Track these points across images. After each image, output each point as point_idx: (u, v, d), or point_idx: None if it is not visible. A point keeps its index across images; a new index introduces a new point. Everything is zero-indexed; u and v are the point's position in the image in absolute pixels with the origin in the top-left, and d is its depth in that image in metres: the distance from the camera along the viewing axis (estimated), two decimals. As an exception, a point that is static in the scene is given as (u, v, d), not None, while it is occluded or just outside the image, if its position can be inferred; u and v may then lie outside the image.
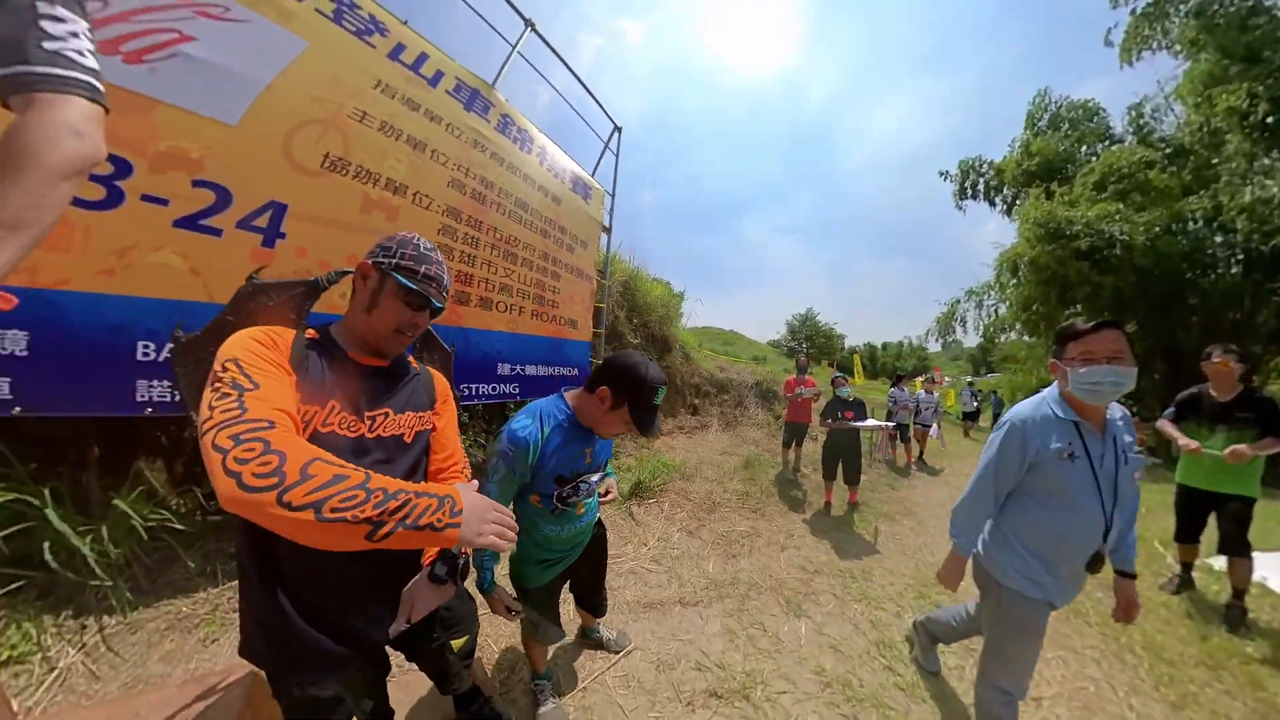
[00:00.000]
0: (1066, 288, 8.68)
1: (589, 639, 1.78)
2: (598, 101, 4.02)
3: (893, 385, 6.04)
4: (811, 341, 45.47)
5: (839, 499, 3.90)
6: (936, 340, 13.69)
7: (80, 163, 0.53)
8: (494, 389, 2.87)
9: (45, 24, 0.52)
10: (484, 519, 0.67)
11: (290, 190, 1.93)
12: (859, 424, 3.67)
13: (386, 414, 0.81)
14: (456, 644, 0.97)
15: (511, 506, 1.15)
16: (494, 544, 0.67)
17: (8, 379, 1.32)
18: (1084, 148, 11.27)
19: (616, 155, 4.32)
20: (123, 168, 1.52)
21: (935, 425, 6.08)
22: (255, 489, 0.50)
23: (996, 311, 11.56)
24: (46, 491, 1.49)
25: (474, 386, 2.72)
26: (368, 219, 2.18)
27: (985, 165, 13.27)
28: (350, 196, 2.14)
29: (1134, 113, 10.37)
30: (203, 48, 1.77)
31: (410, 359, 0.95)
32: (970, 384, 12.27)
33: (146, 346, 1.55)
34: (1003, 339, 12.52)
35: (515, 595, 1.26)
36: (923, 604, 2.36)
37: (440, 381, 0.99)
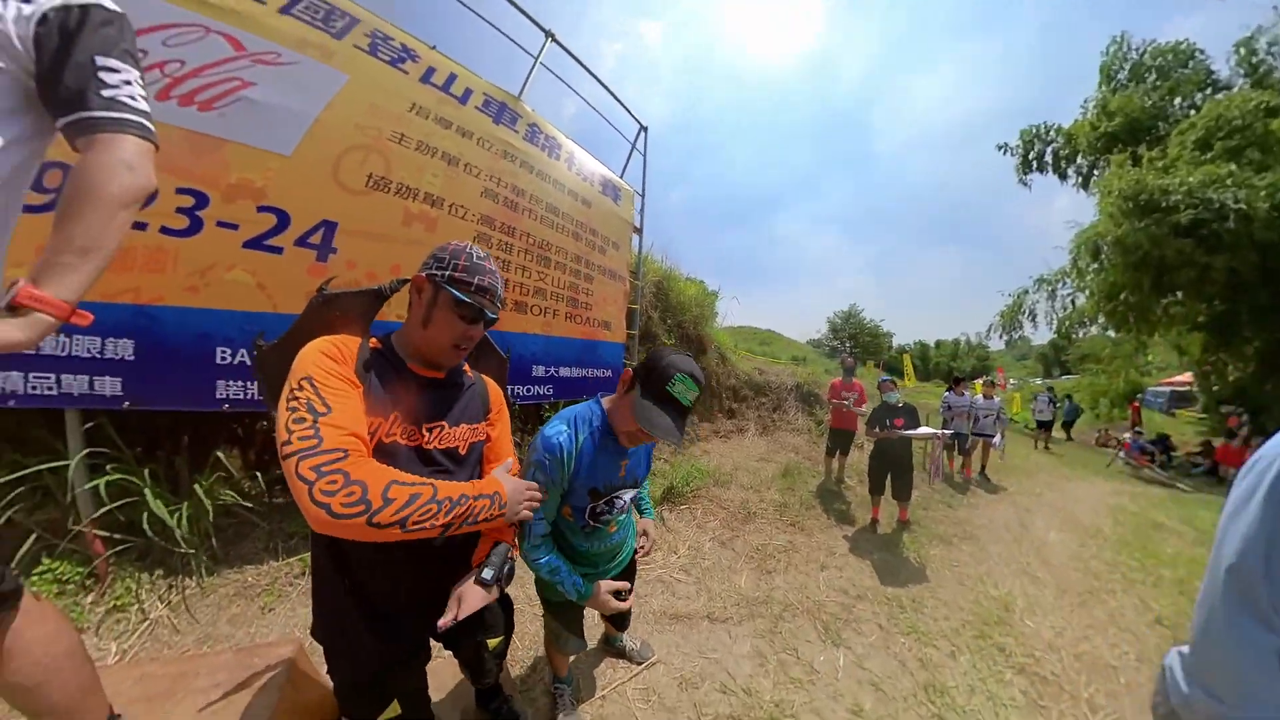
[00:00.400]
0: (1163, 271, 7.19)
1: (612, 647, 1.75)
2: (622, 103, 4.05)
3: (948, 389, 5.40)
4: (856, 340, 42.07)
5: (887, 516, 3.54)
6: (1000, 337, 11.85)
7: (134, 193, 0.60)
8: (529, 390, 2.89)
9: (103, 74, 0.60)
10: (519, 500, 0.83)
11: (339, 209, 2.10)
12: (910, 433, 3.26)
13: (442, 427, 0.86)
14: (492, 643, 1.01)
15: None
16: (526, 516, 0.83)
17: (119, 379, 1.60)
18: (1178, 100, 9.46)
19: (644, 155, 4.30)
20: (201, 200, 1.75)
21: (998, 434, 5.26)
22: (345, 516, 0.61)
23: (1073, 302, 9.91)
24: (146, 472, 1.76)
25: (510, 388, 2.97)
26: (409, 231, 2.33)
27: (1052, 132, 11.42)
28: (393, 211, 2.28)
29: (1244, 50, 8.59)
30: (260, 91, 1.99)
31: (466, 367, 0.98)
32: (1048, 389, 10.65)
33: (224, 352, 1.79)
34: (1081, 334, 10.82)
35: (543, 606, 1.30)
36: (983, 645, 2.10)
37: (495, 391, 1.02)
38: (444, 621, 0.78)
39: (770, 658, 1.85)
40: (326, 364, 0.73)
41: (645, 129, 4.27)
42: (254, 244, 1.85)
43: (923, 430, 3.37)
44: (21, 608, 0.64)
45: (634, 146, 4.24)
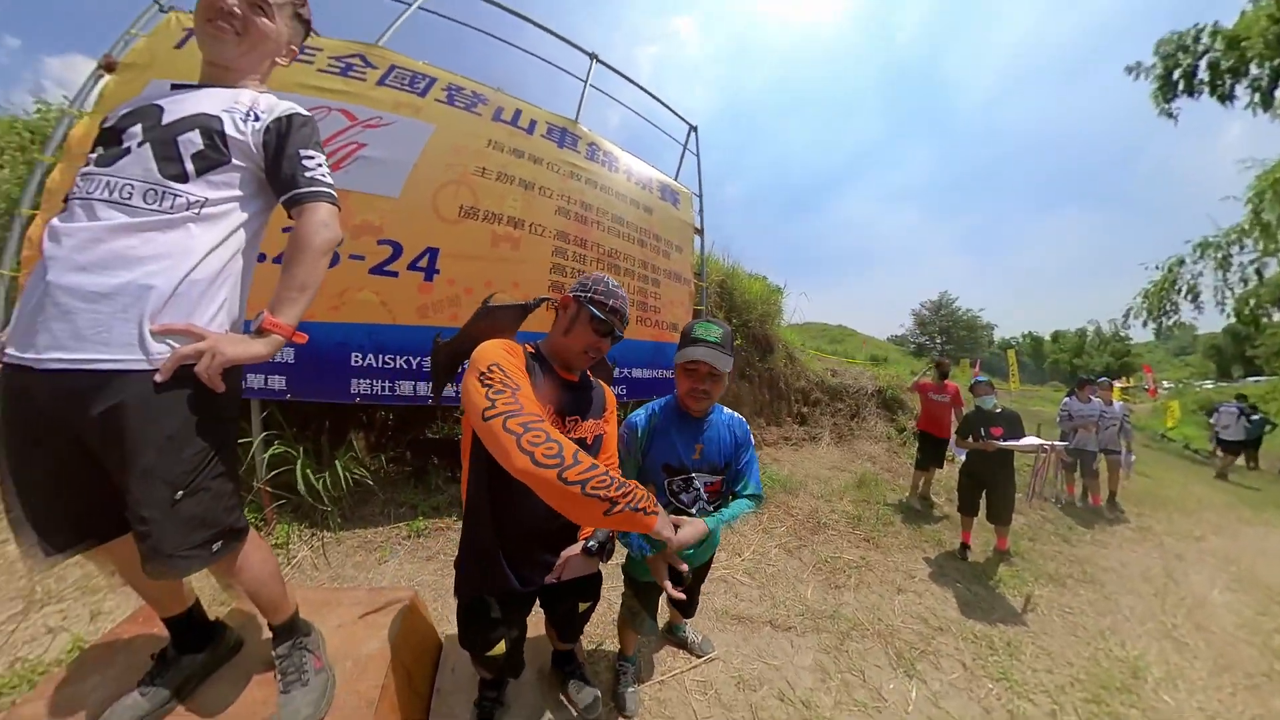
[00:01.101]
0: None
1: (674, 636, 1.81)
2: (668, 107, 4.14)
3: (1069, 393, 4.41)
4: (949, 335, 35.49)
5: (981, 542, 3.00)
6: (1145, 324, 7.96)
7: (330, 244, 0.86)
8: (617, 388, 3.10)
9: (304, 161, 0.86)
10: (668, 518, 0.86)
11: (439, 237, 2.41)
12: (1009, 444, 2.71)
13: (577, 421, 1.02)
14: (583, 606, 1.17)
15: None
16: (668, 536, 0.85)
17: (284, 377, 2.07)
18: None
19: (696, 155, 4.27)
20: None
21: (1124, 449, 4.15)
22: (545, 466, 0.70)
23: (1258, 273, 6.65)
24: (301, 448, 2.26)
25: None
26: (497, 250, 2.57)
27: (1204, 38, 7.34)
28: (482, 235, 2.55)
29: None
30: (371, 149, 2.40)
31: (589, 373, 1.15)
32: (1238, 398, 7.76)
33: (357, 356, 2.19)
34: (1277, 317, 7.73)
35: (625, 582, 1.40)
36: (1097, 712, 1.76)
37: (609, 394, 1.17)
38: (550, 576, 0.97)
39: (834, 675, 1.78)
40: (507, 358, 0.89)
41: (694, 129, 4.29)
42: (377, 270, 2.24)
43: (1026, 441, 2.74)
44: (249, 538, 0.90)
45: (685, 148, 4.25)
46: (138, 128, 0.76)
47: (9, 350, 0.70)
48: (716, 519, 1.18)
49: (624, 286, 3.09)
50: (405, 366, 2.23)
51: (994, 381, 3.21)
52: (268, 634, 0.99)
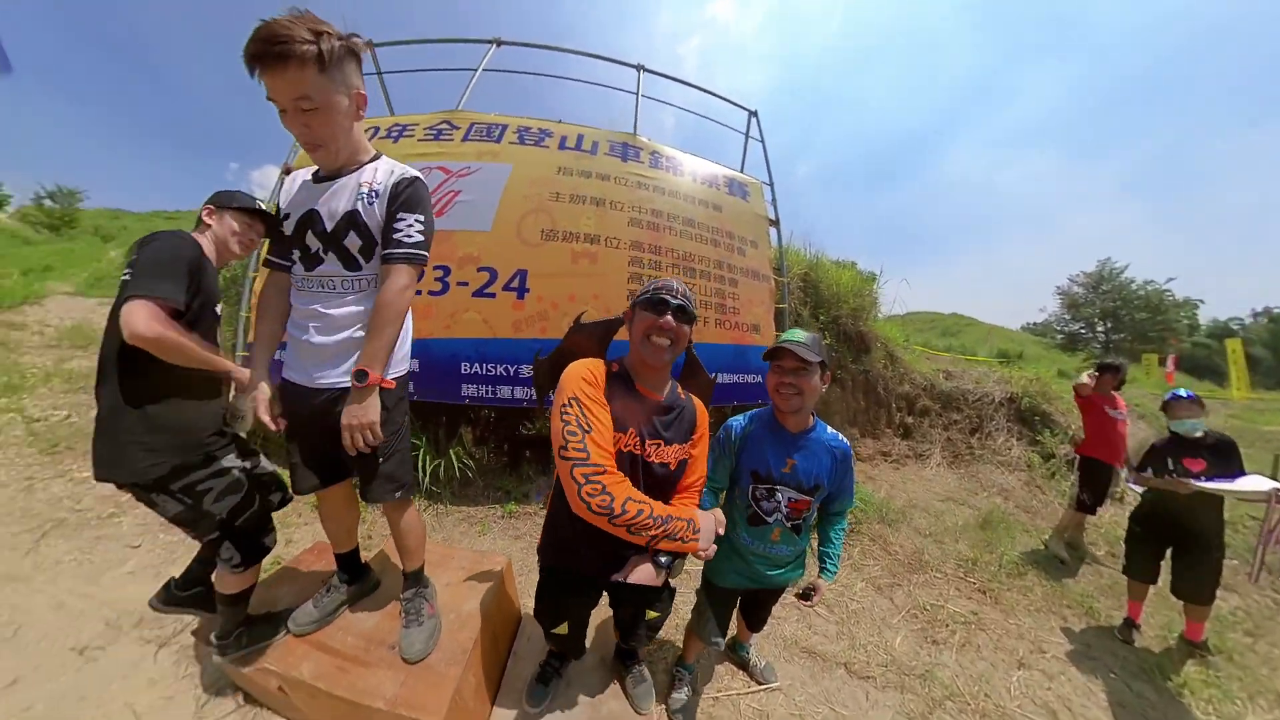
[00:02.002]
0: None
1: (735, 654, 1.74)
2: (722, 98, 4.03)
3: None
4: (1116, 320, 23.51)
5: (1160, 623, 2.20)
6: None
7: (406, 302, 1.03)
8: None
9: (397, 224, 1.01)
10: (709, 536, 0.99)
11: (526, 260, 2.70)
12: (1217, 487, 1.85)
13: (660, 444, 1.05)
14: (650, 615, 1.20)
15: (723, 500, 1.32)
16: (710, 553, 0.99)
17: (412, 381, 2.48)
18: None
19: (761, 141, 4.01)
20: (446, 270, 2.64)
21: None
22: (597, 513, 0.87)
23: None
24: (423, 438, 2.68)
25: None
26: (577, 267, 2.75)
27: None
28: (563, 254, 2.77)
29: None
30: (465, 194, 2.83)
31: (679, 390, 1.14)
32: None
33: (465, 365, 2.58)
34: None
35: (701, 586, 1.42)
36: None
37: (701, 414, 1.16)
38: (618, 575, 0.99)
39: (915, 748, 1.48)
40: (585, 388, 0.95)
41: (754, 114, 4.08)
42: (478, 293, 2.63)
43: (1247, 484, 1.82)
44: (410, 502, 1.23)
45: (747, 136, 4.02)
46: (318, 244, 1.04)
47: (285, 374, 1.13)
48: (832, 573, 1.28)
49: (699, 289, 2.96)
50: (504, 374, 2.56)
51: (1197, 399, 2.09)
52: (396, 581, 1.34)
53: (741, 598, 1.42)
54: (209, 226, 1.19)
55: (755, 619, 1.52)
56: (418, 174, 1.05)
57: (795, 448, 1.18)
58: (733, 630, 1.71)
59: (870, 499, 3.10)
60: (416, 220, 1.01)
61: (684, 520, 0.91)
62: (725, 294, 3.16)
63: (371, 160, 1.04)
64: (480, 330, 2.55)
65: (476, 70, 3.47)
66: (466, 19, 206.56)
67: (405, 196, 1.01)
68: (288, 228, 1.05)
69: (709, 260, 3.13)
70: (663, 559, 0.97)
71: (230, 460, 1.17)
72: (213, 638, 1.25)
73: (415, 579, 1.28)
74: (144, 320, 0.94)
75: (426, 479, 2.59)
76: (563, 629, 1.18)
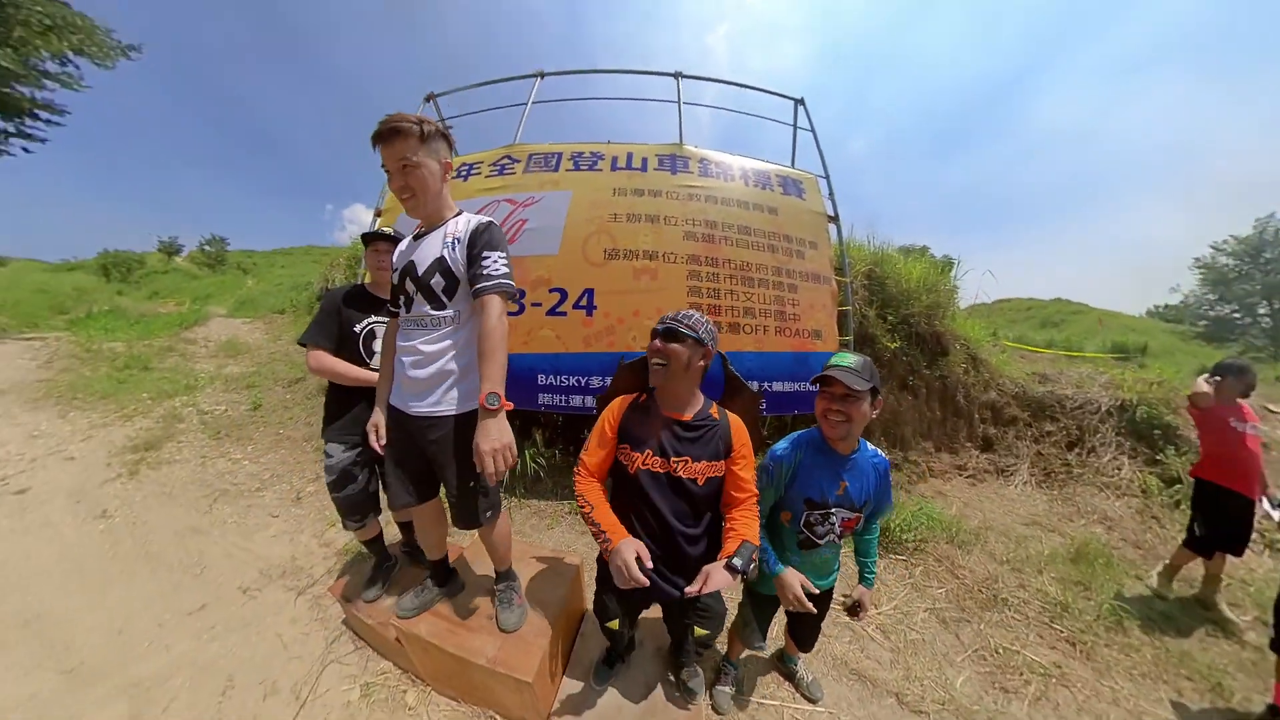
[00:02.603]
0: None
1: (784, 665, 1.74)
2: (763, 90, 3.92)
3: None
4: None
5: None
6: None
7: (503, 330, 1.14)
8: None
9: (483, 260, 1.15)
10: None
11: (592, 279, 2.89)
12: None
13: (686, 461, 1.15)
14: (699, 631, 1.27)
15: (767, 519, 1.31)
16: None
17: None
18: None
19: (811, 130, 3.81)
20: (521, 293, 2.91)
21: None
22: (581, 509, 1.16)
23: None
24: None
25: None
26: (639, 283, 2.88)
27: None
28: (625, 272, 2.91)
29: None
30: (532, 222, 3.08)
31: (713, 409, 1.22)
32: None
33: (541, 376, 2.83)
34: None
35: (744, 590, 1.45)
36: None
37: (739, 431, 1.21)
38: (691, 589, 1.02)
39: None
40: (607, 417, 1.22)
41: (800, 102, 3.83)
42: (551, 312, 2.87)
43: None
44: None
45: (795, 126, 3.84)
46: (409, 283, 1.22)
47: (391, 400, 1.30)
48: (871, 580, 1.33)
49: (757, 298, 3.00)
50: (575, 384, 2.76)
51: None
52: (478, 581, 1.63)
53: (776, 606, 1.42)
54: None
55: (804, 637, 1.49)
56: (490, 219, 1.22)
57: (846, 469, 1.21)
58: (782, 641, 1.72)
59: (939, 516, 2.78)
60: (500, 257, 1.16)
61: (602, 531, 1.09)
62: (785, 300, 3.09)
63: (454, 216, 1.23)
64: (554, 345, 2.80)
65: (527, 105, 3.77)
66: (506, 50, 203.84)
67: (485, 238, 1.17)
68: (395, 279, 1.26)
69: (766, 268, 3.09)
70: (736, 562, 1.03)
71: (333, 449, 1.58)
72: (357, 583, 1.74)
73: (506, 575, 1.51)
74: (309, 361, 1.55)
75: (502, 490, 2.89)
76: (614, 624, 1.31)
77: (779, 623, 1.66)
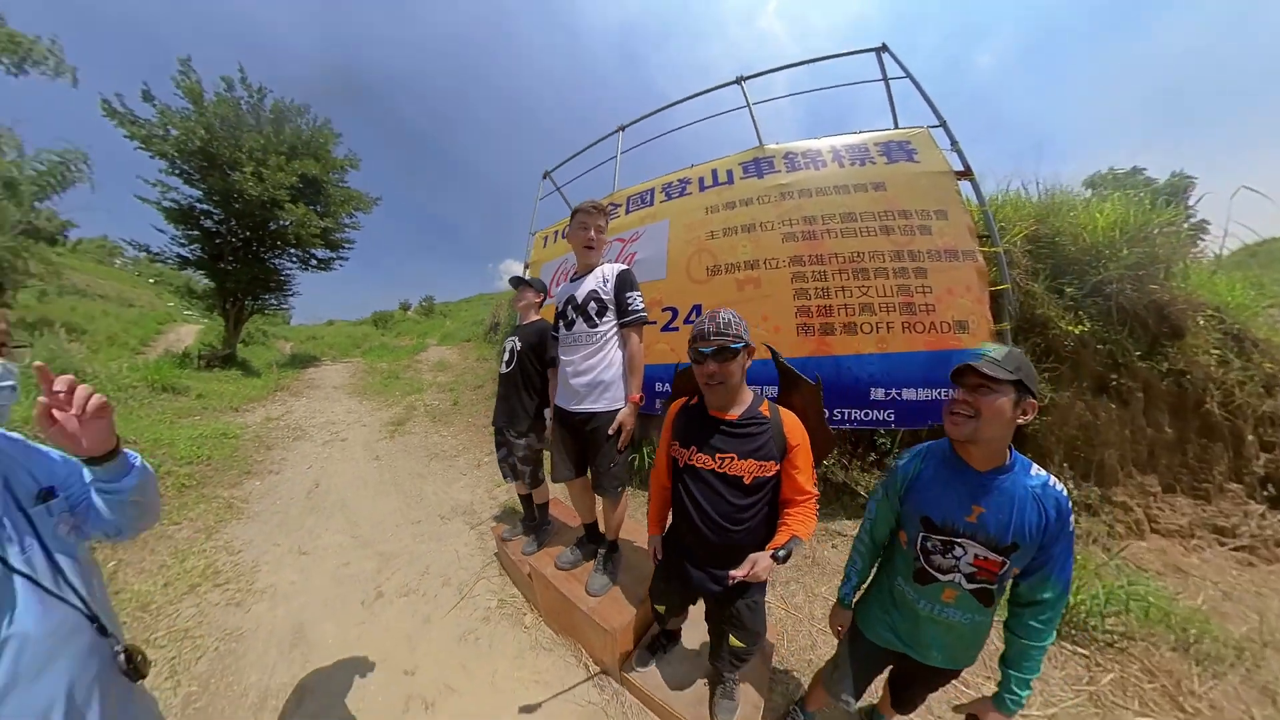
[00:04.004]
0: None
1: None
2: (833, 57, 3.45)
3: None
4: None
5: None
6: None
7: (642, 354, 1.63)
8: (866, 415, 2.61)
9: (627, 299, 1.60)
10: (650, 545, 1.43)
11: (699, 295, 3.08)
12: None
13: (732, 458, 1.14)
14: (734, 641, 1.28)
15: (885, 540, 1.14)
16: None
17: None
18: None
19: (905, 74, 3.08)
20: (646, 311, 3.41)
21: None
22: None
23: None
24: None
25: (845, 412, 2.65)
26: (743, 294, 2.93)
27: None
28: (729, 285, 2.99)
29: None
30: (640, 254, 3.45)
31: (763, 406, 1.17)
32: None
33: (659, 384, 3.18)
34: None
35: (847, 632, 1.22)
36: None
37: (793, 429, 1.14)
38: (736, 573, 1.02)
39: None
40: (666, 421, 1.32)
41: (881, 50, 3.18)
42: (665, 328, 3.18)
43: None
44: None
45: (885, 79, 3.15)
46: (570, 309, 1.64)
47: (556, 401, 1.76)
48: (1014, 703, 0.90)
49: (876, 290, 2.71)
50: None
51: None
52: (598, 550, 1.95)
53: (891, 664, 1.16)
54: None
55: (904, 698, 1.20)
56: (626, 266, 1.68)
57: (983, 490, 0.90)
58: (879, 697, 1.35)
59: (1163, 603, 1.86)
60: (637, 295, 1.60)
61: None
62: (911, 289, 2.60)
63: (600, 265, 1.68)
64: (669, 357, 3.09)
65: (616, 157, 4.22)
66: (590, 114, 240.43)
67: (626, 281, 1.60)
68: (559, 307, 1.70)
69: (882, 254, 2.69)
70: (780, 553, 1.03)
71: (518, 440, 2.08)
72: (506, 530, 2.33)
73: (611, 546, 1.85)
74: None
75: (631, 465, 3.12)
76: (661, 608, 1.41)
77: (880, 679, 1.27)
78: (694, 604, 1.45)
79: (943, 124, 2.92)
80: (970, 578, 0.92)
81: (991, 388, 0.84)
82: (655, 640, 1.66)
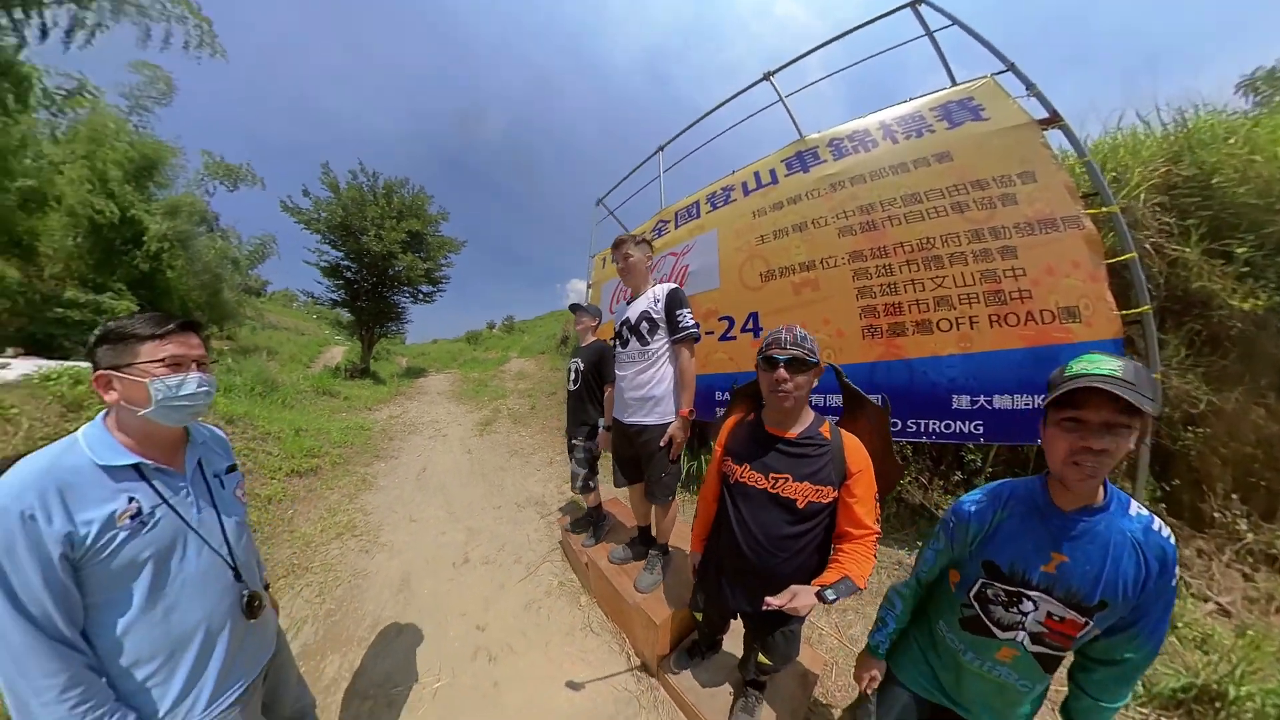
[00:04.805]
0: None
1: None
2: (862, 26, 3.07)
3: None
4: None
5: None
6: None
7: (694, 367, 1.67)
8: (947, 427, 2.21)
9: (677, 316, 1.65)
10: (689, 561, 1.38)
11: (754, 303, 3.08)
12: None
13: (786, 479, 1.06)
14: (763, 659, 1.24)
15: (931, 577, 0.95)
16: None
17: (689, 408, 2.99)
18: None
19: (951, 20, 2.68)
20: (697, 326, 3.46)
21: None
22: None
23: None
24: (687, 450, 3.49)
25: (921, 423, 2.29)
26: (800, 297, 2.84)
27: None
28: (785, 289, 2.93)
29: None
30: (692, 265, 3.54)
31: (824, 427, 1.09)
32: None
33: (718, 393, 3.21)
34: None
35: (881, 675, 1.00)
36: None
37: (855, 454, 1.05)
38: (775, 601, 0.90)
39: None
40: (720, 438, 1.25)
41: (916, 2, 2.79)
42: (723, 338, 3.23)
43: None
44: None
45: (928, 33, 2.73)
46: (625, 329, 1.75)
47: (615, 413, 1.86)
48: None
49: (954, 279, 2.44)
50: None
51: None
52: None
53: (924, 715, 0.95)
54: None
55: None
56: (675, 284, 1.74)
57: (1068, 534, 0.72)
58: None
59: None
60: (686, 312, 1.64)
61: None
62: (998, 274, 2.16)
63: (651, 287, 1.77)
64: (727, 366, 3.14)
65: (660, 176, 4.36)
66: (633, 140, 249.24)
67: (676, 299, 1.65)
68: (616, 327, 1.82)
69: (956, 236, 2.30)
70: (829, 594, 0.90)
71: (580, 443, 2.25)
72: (570, 523, 2.49)
73: (661, 549, 1.91)
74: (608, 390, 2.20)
75: (683, 474, 3.07)
76: (699, 615, 1.41)
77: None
78: (733, 619, 1.43)
79: (1010, 67, 2.41)
80: (1036, 638, 0.74)
81: (1127, 423, 0.62)
82: (695, 645, 1.65)
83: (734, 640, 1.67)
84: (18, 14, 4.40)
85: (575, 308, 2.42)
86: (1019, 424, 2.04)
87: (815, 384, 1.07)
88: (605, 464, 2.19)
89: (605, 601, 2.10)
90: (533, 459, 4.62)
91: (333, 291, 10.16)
